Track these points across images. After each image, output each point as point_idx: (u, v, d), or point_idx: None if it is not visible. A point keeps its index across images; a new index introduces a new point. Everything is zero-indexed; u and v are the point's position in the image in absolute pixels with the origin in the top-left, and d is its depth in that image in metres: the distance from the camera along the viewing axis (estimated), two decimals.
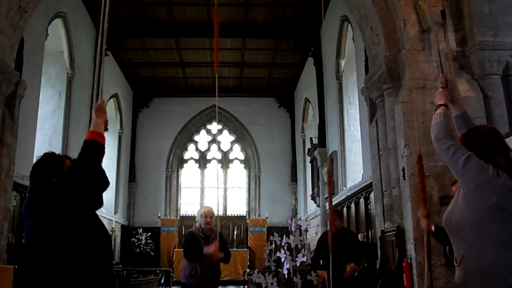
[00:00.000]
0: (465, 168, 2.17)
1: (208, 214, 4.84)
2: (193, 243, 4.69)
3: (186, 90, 16.73)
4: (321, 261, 5.48)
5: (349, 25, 10.03)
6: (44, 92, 9.83)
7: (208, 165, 17.55)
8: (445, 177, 5.09)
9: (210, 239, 4.80)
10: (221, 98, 15.61)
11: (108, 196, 13.89)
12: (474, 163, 2.17)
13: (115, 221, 14.10)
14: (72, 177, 2.25)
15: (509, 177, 2.15)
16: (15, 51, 6.67)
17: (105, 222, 12.67)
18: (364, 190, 8.60)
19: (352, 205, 9.47)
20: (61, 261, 2.19)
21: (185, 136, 17.42)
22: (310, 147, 13.24)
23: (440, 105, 2.49)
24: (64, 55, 10.80)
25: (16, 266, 5.97)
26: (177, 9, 12.00)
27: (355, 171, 9.97)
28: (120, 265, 11.45)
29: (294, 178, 16.66)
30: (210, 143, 17.69)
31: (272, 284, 5.89)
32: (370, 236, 8.10)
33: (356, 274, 5.28)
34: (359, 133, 9.52)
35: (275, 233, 7.42)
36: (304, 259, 6.09)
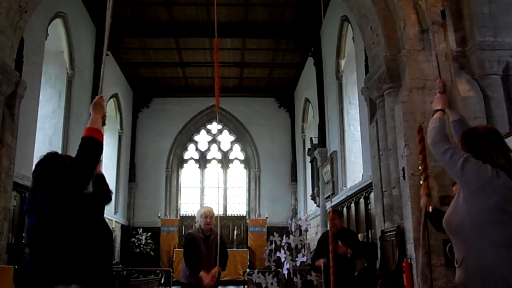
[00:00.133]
0: (464, 170, 2.17)
1: (208, 215, 4.84)
2: (192, 248, 4.69)
3: (186, 90, 16.73)
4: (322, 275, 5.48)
5: (349, 25, 10.03)
6: (44, 92, 9.83)
7: (208, 165, 17.55)
8: (445, 177, 5.09)
9: (210, 239, 4.81)
10: (221, 98, 15.58)
11: None
12: (472, 165, 2.17)
13: (115, 221, 14.10)
14: (72, 175, 2.26)
15: (509, 177, 2.15)
16: (15, 51, 6.67)
17: None
18: (364, 190, 8.60)
19: (352, 205, 9.47)
20: (63, 258, 2.20)
21: (185, 136, 17.42)
22: (310, 147, 13.24)
23: (437, 110, 2.49)
24: (64, 55, 10.80)
25: (16, 266, 5.97)
26: (177, 9, 12.00)
27: (355, 171, 9.97)
28: (120, 265, 11.45)
29: (294, 178, 16.66)
30: (210, 143, 17.69)
31: (272, 284, 5.89)
32: (370, 236, 8.10)
33: (349, 256, 5.23)
34: (359, 133, 9.52)
35: (275, 233, 7.42)
36: (304, 259, 6.09)
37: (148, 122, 16.90)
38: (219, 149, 17.69)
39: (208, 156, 17.62)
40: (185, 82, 16.37)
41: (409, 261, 5.46)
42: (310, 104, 14.49)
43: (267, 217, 16.00)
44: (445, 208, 2.43)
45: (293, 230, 7.32)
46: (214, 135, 17.73)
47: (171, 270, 13.49)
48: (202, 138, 17.70)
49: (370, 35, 6.79)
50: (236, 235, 15.77)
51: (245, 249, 15.37)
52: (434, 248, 5.23)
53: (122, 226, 15.25)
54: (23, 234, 7.47)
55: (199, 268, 4.55)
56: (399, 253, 5.76)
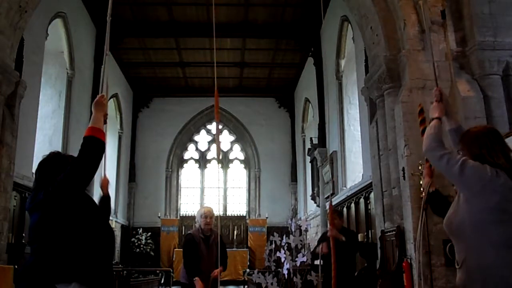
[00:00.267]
0: (462, 174, 2.17)
1: (208, 215, 4.84)
2: (191, 248, 4.69)
3: (186, 90, 16.73)
4: (321, 261, 5.47)
5: (349, 25, 10.03)
6: (44, 92, 9.83)
7: (208, 165, 17.55)
8: (445, 177, 5.08)
9: (210, 239, 4.81)
10: (221, 98, 15.59)
11: None
12: (470, 167, 2.17)
13: (115, 221, 14.10)
14: (74, 174, 2.27)
15: (509, 177, 2.15)
16: (15, 51, 6.67)
17: None
18: (364, 190, 8.60)
19: (352, 205, 9.47)
20: (64, 257, 2.20)
21: (185, 136, 17.42)
22: (310, 147, 13.24)
23: (434, 118, 2.49)
24: (64, 55, 10.80)
25: (16, 266, 5.97)
26: (177, 9, 12.00)
27: (355, 171, 9.97)
28: (120, 265, 11.44)
29: (294, 178, 16.66)
30: (210, 143, 17.69)
31: (272, 284, 5.88)
32: (370, 236, 8.10)
33: (343, 240, 5.21)
34: (359, 133, 9.52)
35: (275, 233, 7.41)
36: (304, 259, 6.09)
37: (148, 122, 16.90)
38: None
39: (208, 156, 17.61)
40: (185, 82, 16.37)
41: (409, 261, 5.46)
42: (310, 104, 14.49)
43: (267, 217, 16.00)
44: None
45: (293, 230, 7.31)
46: (214, 135, 17.72)
47: (171, 270, 13.48)
48: (202, 138, 17.70)
49: (370, 35, 6.79)
50: (236, 235, 15.77)
51: (245, 249, 15.37)
52: (434, 248, 5.23)
53: (122, 226, 15.25)
54: (23, 234, 7.47)
55: (198, 270, 4.55)
56: (399, 253, 5.76)
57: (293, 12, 12.18)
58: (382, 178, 6.49)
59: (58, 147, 10.07)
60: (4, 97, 6.37)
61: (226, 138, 17.75)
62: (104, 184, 2.88)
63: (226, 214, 16.32)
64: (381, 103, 6.56)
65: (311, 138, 13.26)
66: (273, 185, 16.77)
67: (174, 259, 14.68)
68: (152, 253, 15.33)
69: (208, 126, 17.67)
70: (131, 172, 16.35)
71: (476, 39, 5.89)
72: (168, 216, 16.29)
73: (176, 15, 12.24)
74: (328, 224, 5.04)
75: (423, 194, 2.81)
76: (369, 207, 8.38)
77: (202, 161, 17.54)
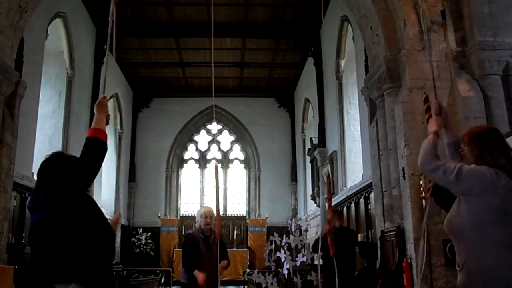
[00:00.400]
0: (459, 181, 2.17)
1: (208, 215, 4.84)
2: (191, 248, 4.69)
3: (186, 90, 16.73)
4: (321, 260, 5.47)
5: (349, 25, 10.03)
6: (44, 92, 9.82)
7: (208, 165, 17.54)
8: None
9: (210, 239, 4.80)
10: (221, 98, 15.65)
11: (109, 196, 13.90)
12: (466, 172, 2.17)
13: None
14: (76, 174, 2.27)
15: (510, 177, 2.15)
16: (15, 51, 6.67)
17: None
18: (364, 190, 8.60)
19: (352, 205, 9.47)
20: (64, 257, 2.20)
21: (185, 136, 17.42)
22: (310, 147, 13.24)
23: (431, 132, 2.48)
24: (64, 55, 10.80)
25: (16, 266, 5.97)
26: (177, 9, 12.00)
27: (355, 171, 9.97)
28: (120, 265, 11.44)
29: (294, 178, 16.66)
30: (210, 143, 17.69)
31: (272, 284, 5.88)
32: (370, 236, 8.10)
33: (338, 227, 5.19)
34: (359, 133, 9.52)
35: (275, 233, 7.40)
36: (304, 259, 6.09)
37: (148, 122, 16.90)
38: (219, 149, 17.69)
39: (208, 156, 17.61)
40: (185, 82, 16.37)
41: (409, 261, 5.46)
42: (310, 104, 14.49)
43: (267, 217, 16.00)
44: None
45: (293, 230, 7.31)
46: (214, 135, 17.73)
47: (171, 270, 13.48)
48: (202, 138, 17.70)
49: (370, 35, 6.79)
50: (236, 235, 15.77)
51: (245, 249, 15.37)
52: (434, 248, 5.23)
53: (122, 226, 15.24)
54: (23, 234, 7.47)
55: (197, 268, 4.54)
56: (399, 253, 5.76)
57: (293, 12, 12.18)
58: (382, 178, 6.49)
59: (58, 147, 10.07)
60: (4, 97, 6.37)
61: (226, 138, 17.75)
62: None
63: (226, 214, 16.32)
64: (381, 103, 6.56)
65: (311, 138, 13.26)
66: (273, 185, 16.77)
67: (174, 259, 14.68)
68: (152, 253, 15.33)
69: (208, 126, 17.67)
70: (131, 172, 16.35)
71: (476, 39, 5.89)
72: (168, 216, 16.29)
73: (176, 15, 12.24)
74: (327, 206, 5.00)
75: (429, 186, 2.80)
76: (369, 207, 8.38)
77: (202, 161, 17.54)
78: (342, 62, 11.08)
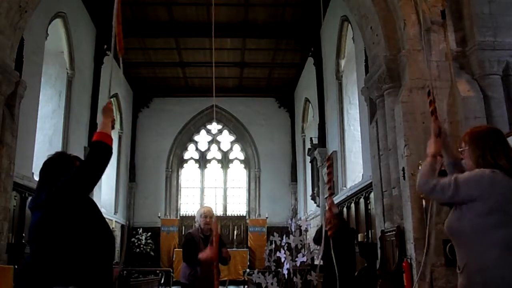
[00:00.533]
0: (458, 191, 2.16)
1: (207, 214, 4.83)
2: (191, 247, 4.69)
3: (186, 90, 16.73)
4: (321, 260, 5.47)
5: (349, 25, 10.03)
6: (44, 92, 9.83)
7: (208, 165, 17.55)
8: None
9: (209, 239, 4.80)
10: (221, 98, 15.65)
11: (108, 196, 13.91)
12: (463, 181, 2.16)
13: (115, 221, 14.10)
14: (80, 177, 2.28)
15: (510, 177, 2.14)
16: (15, 51, 6.67)
17: None
18: (364, 190, 8.60)
19: (352, 205, 9.47)
20: (62, 258, 2.20)
21: (185, 136, 17.42)
22: (310, 147, 13.24)
23: (429, 155, 2.48)
24: (64, 55, 10.80)
25: (16, 266, 5.97)
26: (177, 9, 12.00)
27: (355, 171, 9.97)
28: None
29: (294, 178, 16.66)
30: (210, 143, 17.69)
31: (272, 284, 5.88)
32: (370, 236, 8.10)
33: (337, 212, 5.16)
34: (359, 133, 9.52)
35: (275, 233, 7.41)
36: (304, 259, 6.09)
37: (148, 122, 16.90)
38: (219, 149, 17.70)
39: (208, 156, 17.62)
40: (185, 82, 16.37)
41: (409, 261, 5.46)
42: (310, 104, 14.49)
43: (267, 217, 16.00)
44: (446, 208, 2.42)
45: (293, 230, 7.31)
46: (214, 135, 17.73)
47: (171, 270, 13.49)
48: (202, 138, 17.71)
49: (370, 35, 6.79)
50: (236, 235, 15.77)
51: (245, 249, 15.37)
52: (434, 248, 5.22)
53: (122, 226, 15.25)
54: (23, 234, 7.47)
55: (197, 260, 4.53)
56: (399, 253, 5.76)
57: (293, 12, 12.18)
58: (382, 178, 6.49)
59: (58, 147, 10.08)
60: (4, 97, 6.37)
61: (226, 138, 17.75)
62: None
63: (226, 214, 16.32)
64: (381, 103, 6.56)
65: (311, 138, 13.27)
66: (273, 185, 16.77)
67: (174, 259, 14.68)
68: (152, 253, 15.33)
69: (208, 126, 17.67)
70: (131, 172, 16.35)
71: (476, 39, 5.89)
72: (168, 216, 16.29)
73: (176, 15, 12.24)
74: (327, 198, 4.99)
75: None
76: (369, 207, 8.38)
77: (202, 161, 17.54)
78: (342, 62, 11.08)
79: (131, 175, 16.32)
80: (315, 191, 12.64)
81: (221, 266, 5.01)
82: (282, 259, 6.20)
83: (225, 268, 12.74)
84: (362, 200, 8.85)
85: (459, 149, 2.41)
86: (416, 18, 6.00)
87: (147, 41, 13.45)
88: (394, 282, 5.70)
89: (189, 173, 17.51)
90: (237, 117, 17.27)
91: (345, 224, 5.54)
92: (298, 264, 6.08)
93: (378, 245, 6.75)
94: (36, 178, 8.19)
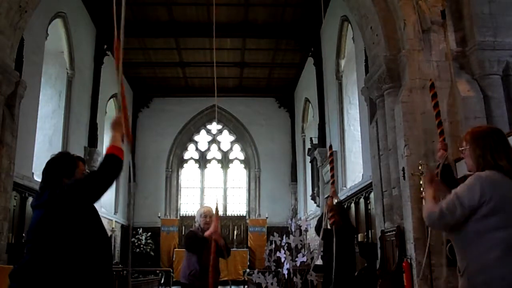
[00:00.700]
0: (463, 204, 2.13)
1: (207, 214, 4.84)
2: (194, 237, 4.72)
3: (186, 90, 16.73)
4: (320, 260, 5.47)
5: (349, 25, 10.03)
6: (44, 92, 9.82)
7: (208, 165, 17.55)
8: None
9: (209, 239, 4.80)
10: (221, 98, 15.64)
11: (108, 196, 13.90)
12: (462, 192, 2.15)
13: (115, 221, 14.10)
14: (88, 186, 2.30)
15: (510, 179, 2.14)
16: (15, 51, 6.67)
17: (105, 222, 12.67)
18: (364, 190, 8.60)
19: (352, 205, 9.47)
20: (59, 258, 2.20)
21: (185, 136, 17.42)
22: (310, 147, 13.24)
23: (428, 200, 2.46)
24: (64, 55, 10.80)
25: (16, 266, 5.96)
26: (177, 9, 12.00)
27: (355, 171, 9.97)
28: (120, 265, 11.44)
29: (294, 178, 16.65)
30: (210, 143, 17.69)
31: (272, 284, 5.89)
32: (370, 236, 8.10)
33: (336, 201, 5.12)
34: (359, 133, 9.52)
35: (275, 233, 7.42)
36: (304, 259, 6.09)
37: (148, 122, 16.90)
38: (219, 149, 17.70)
39: (208, 156, 17.61)
40: (185, 82, 16.37)
41: (409, 261, 5.46)
42: (310, 104, 14.49)
43: (267, 217, 16.00)
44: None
45: (293, 230, 7.33)
46: (214, 135, 17.73)
47: (171, 270, 13.49)
48: (202, 138, 17.70)
49: (370, 35, 6.79)
50: (236, 235, 15.77)
51: (245, 249, 15.37)
52: (434, 248, 5.23)
53: (122, 226, 15.25)
54: (23, 234, 7.47)
55: (204, 240, 4.52)
56: (399, 253, 5.76)
57: (293, 12, 12.18)
58: (382, 178, 6.49)
59: (58, 147, 10.08)
60: (4, 97, 6.37)
61: (226, 138, 17.75)
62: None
63: (226, 214, 16.32)
64: (381, 103, 6.56)
65: (311, 138, 13.26)
66: (273, 185, 16.77)
67: (174, 259, 14.68)
68: (152, 253, 15.33)
69: (208, 126, 17.67)
70: (131, 172, 16.32)
71: (476, 39, 5.89)
72: (168, 216, 16.29)
73: (176, 15, 12.24)
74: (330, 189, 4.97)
75: (438, 168, 2.78)
76: (369, 207, 8.38)
77: (202, 161, 17.54)
78: (342, 62, 11.08)
79: (131, 175, 16.30)
80: (315, 191, 12.63)
81: (221, 267, 5.01)
82: (282, 259, 6.20)
83: (225, 268, 12.75)
84: (362, 200, 8.84)
85: (460, 148, 2.41)
86: (416, 18, 5.99)
87: (147, 41, 13.45)
88: (394, 282, 5.70)
89: (189, 173, 17.51)
90: (237, 117, 17.27)
91: (348, 221, 5.52)
92: (298, 264, 6.08)
93: (378, 245, 6.75)
94: (36, 178, 8.23)
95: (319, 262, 6.06)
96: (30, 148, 8.47)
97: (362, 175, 8.96)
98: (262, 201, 16.78)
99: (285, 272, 6.15)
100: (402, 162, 5.76)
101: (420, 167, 5.39)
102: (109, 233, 13.34)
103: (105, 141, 13.53)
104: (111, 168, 2.35)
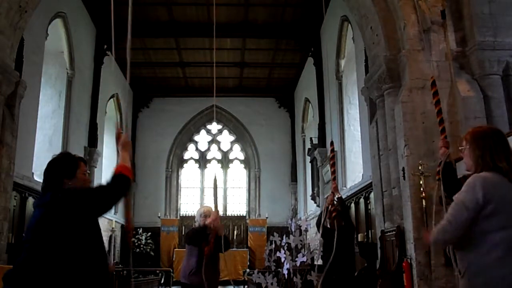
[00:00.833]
0: (468, 208, 2.13)
1: (207, 214, 4.83)
2: (196, 230, 4.75)
3: (186, 90, 16.72)
4: (320, 259, 5.47)
5: (349, 25, 10.03)
6: (44, 92, 9.82)
7: (208, 165, 17.54)
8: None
9: (209, 238, 4.80)
10: (221, 98, 15.64)
11: None
12: (464, 196, 2.15)
13: (115, 221, 14.09)
14: (94, 200, 2.32)
15: (509, 180, 2.14)
16: (15, 51, 6.67)
17: (105, 222, 12.69)
18: (364, 190, 8.60)
19: (352, 205, 9.47)
20: (55, 259, 2.19)
21: (185, 136, 17.42)
22: (310, 147, 13.24)
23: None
24: (64, 55, 10.80)
25: None
26: (177, 9, 12.00)
27: (355, 171, 9.97)
28: (120, 265, 11.44)
29: (294, 178, 16.65)
30: (210, 143, 17.68)
31: (272, 284, 5.88)
32: (370, 236, 8.10)
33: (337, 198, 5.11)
34: (359, 133, 9.52)
35: (275, 233, 7.40)
36: (304, 259, 6.08)
37: (148, 122, 16.89)
38: (219, 149, 17.69)
39: (208, 156, 17.61)
40: (185, 82, 16.36)
41: (409, 261, 5.46)
42: (310, 104, 14.49)
43: (267, 217, 16.00)
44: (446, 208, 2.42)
45: (293, 230, 7.31)
46: (214, 135, 17.73)
47: (171, 270, 13.49)
48: (202, 138, 17.70)
49: (370, 35, 6.79)
50: (236, 235, 15.77)
51: (245, 249, 15.36)
52: (434, 248, 5.22)
53: (122, 226, 15.24)
54: (23, 234, 7.47)
55: (205, 231, 4.54)
56: (399, 253, 5.76)
57: (293, 12, 12.18)
58: (382, 178, 6.49)
59: (58, 147, 10.08)
60: (4, 97, 6.37)
61: (226, 138, 17.75)
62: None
63: (226, 214, 16.31)
64: (381, 103, 6.56)
65: (311, 138, 13.26)
66: (273, 185, 16.76)
67: (174, 259, 14.67)
68: (152, 253, 15.32)
69: (208, 126, 17.67)
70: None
71: (476, 39, 5.90)
72: (168, 216, 16.29)
73: (176, 15, 12.24)
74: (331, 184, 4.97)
75: (440, 165, 2.77)
76: (369, 207, 8.38)
77: (202, 161, 17.54)
78: (342, 62, 11.08)
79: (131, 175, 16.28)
80: (315, 191, 12.63)
81: (222, 267, 5.00)
82: (282, 259, 6.20)
83: (225, 268, 12.72)
84: (362, 200, 8.84)
85: (460, 148, 2.41)
86: (416, 18, 6.00)
87: (147, 41, 13.45)
88: (394, 282, 5.70)
89: (189, 173, 17.51)
90: (237, 117, 17.27)
91: (349, 220, 5.51)
92: (298, 264, 6.07)
93: (378, 245, 6.75)
94: (36, 178, 8.23)
95: (319, 262, 6.06)
96: (30, 148, 8.47)
97: (362, 175, 8.96)
98: (262, 201, 16.78)
99: (285, 272, 6.14)
100: (402, 162, 5.76)
101: (420, 167, 5.40)
102: (109, 233, 13.35)
103: (105, 141, 13.55)
104: (119, 186, 2.39)
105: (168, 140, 16.96)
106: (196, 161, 17.59)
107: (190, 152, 17.60)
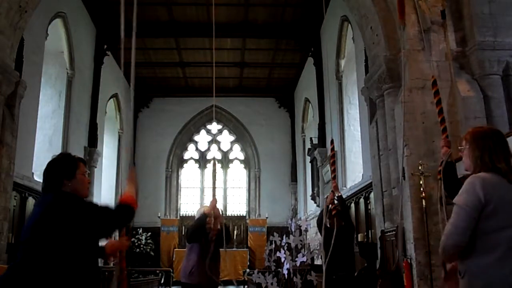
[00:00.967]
0: (470, 206, 2.12)
1: (207, 214, 4.83)
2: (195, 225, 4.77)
3: (186, 90, 16.73)
4: (320, 258, 5.46)
5: (349, 25, 10.03)
6: (44, 92, 9.83)
7: (208, 165, 17.52)
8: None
9: (209, 237, 4.80)
10: (221, 98, 15.64)
11: (108, 196, 13.91)
12: (465, 198, 2.14)
13: None
14: (97, 219, 2.37)
15: (508, 181, 2.14)
16: (15, 51, 6.67)
17: None
18: (364, 190, 8.60)
19: (352, 205, 9.47)
20: (52, 260, 2.18)
21: (185, 136, 17.42)
22: (310, 147, 13.24)
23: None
24: (64, 55, 10.80)
25: None
26: (177, 9, 12.00)
27: (355, 171, 9.97)
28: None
29: (294, 178, 16.65)
30: (210, 143, 17.68)
31: (272, 284, 5.88)
32: (370, 236, 8.10)
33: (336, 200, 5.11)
34: (359, 133, 9.52)
35: (275, 233, 7.41)
36: (304, 259, 6.09)
37: (148, 122, 16.89)
38: (219, 149, 17.69)
39: (208, 156, 17.60)
40: (185, 82, 16.37)
41: (409, 261, 5.46)
42: (310, 104, 14.49)
43: (267, 217, 16.00)
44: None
45: (293, 230, 7.32)
46: (214, 135, 17.73)
47: (171, 270, 13.48)
48: (202, 138, 17.70)
49: (370, 35, 6.79)
50: (236, 235, 15.76)
51: (245, 249, 15.36)
52: (434, 248, 5.22)
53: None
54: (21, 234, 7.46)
55: (205, 225, 4.55)
56: (399, 253, 5.75)
57: (293, 12, 12.18)
58: (382, 178, 6.49)
59: (58, 147, 10.08)
60: (4, 97, 6.37)
61: (226, 138, 17.75)
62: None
63: (226, 214, 16.30)
64: (381, 103, 6.56)
65: (311, 138, 13.27)
66: (273, 185, 16.77)
67: (174, 259, 14.67)
68: (152, 253, 15.32)
69: (208, 126, 17.67)
70: None
71: (476, 39, 5.90)
72: (168, 216, 16.29)
73: (176, 15, 12.24)
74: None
75: (441, 164, 2.78)
76: (369, 207, 8.38)
77: (202, 161, 17.54)
78: (342, 62, 11.08)
79: None
80: (315, 191, 12.64)
81: (222, 267, 5.01)
82: (282, 259, 6.20)
83: (225, 268, 12.76)
84: (362, 200, 8.85)
85: (459, 147, 2.41)
86: (416, 18, 5.99)
87: (147, 41, 13.44)
88: (394, 282, 5.70)
89: (189, 173, 17.51)
90: (237, 117, 17.27)
91: (349, 220, 5.51)
92: (298, 264, 6.08)
93: (378, 245, 6.75)
94: (36, 178, 8.23)
95: (319, 262, 6.07)
96: (30, 148, 8.47)
97: (362, 175, 8.96)
98: (262, 201, 16.78)
99: (285, 272, 6.15)
100: (402, 162, 5.76)
101: (420, 167, 5.39)
102: None
103: (105, 141, 13.55)
104: (123, 216, 2.50)
105: (168, 140, 16.96)
106: (196, 161, 17.59)
107: (190, 152, 17.61)
